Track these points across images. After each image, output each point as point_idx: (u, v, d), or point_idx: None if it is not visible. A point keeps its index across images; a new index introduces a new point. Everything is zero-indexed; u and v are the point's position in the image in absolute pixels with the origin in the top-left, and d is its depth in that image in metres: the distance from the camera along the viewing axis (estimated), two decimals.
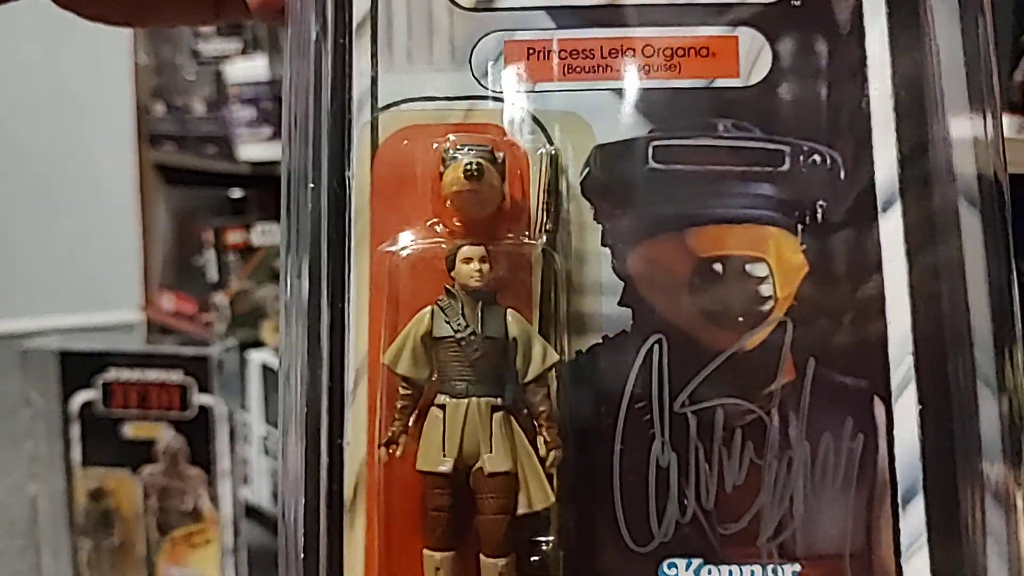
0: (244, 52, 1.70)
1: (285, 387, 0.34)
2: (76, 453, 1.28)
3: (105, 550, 1.29)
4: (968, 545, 0.33)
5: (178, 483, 1.27)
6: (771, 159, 0.35)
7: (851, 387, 0.34)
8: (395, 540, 0.34)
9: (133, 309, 2.01)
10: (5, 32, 2.87)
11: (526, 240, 0.35)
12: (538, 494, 0.33)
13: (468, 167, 0.33)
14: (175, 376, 1.25)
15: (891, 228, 0.34)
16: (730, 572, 0.34)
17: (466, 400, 0.33)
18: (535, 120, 0.35)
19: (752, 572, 0.34)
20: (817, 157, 0.35)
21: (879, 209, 0.34)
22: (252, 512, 1.52)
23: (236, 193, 1.76)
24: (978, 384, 0.33)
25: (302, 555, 0.33)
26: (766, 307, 0.34)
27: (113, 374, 1.26)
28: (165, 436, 1.26)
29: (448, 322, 0.34)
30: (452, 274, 0.34)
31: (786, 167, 0.35)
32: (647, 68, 0.35)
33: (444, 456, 0.33)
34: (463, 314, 0.34)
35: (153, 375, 1.26)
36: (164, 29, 1.78)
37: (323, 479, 0.33)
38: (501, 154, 0.34)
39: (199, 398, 1.25)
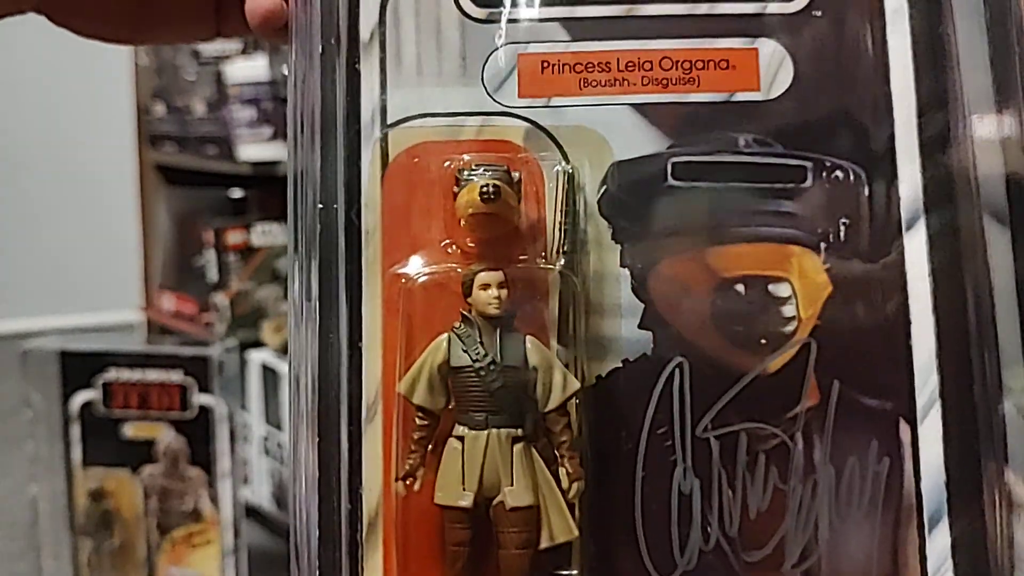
0: (244, 52, 1.70)
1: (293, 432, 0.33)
2: (76, 454, 1.28)
3: (105, 551, 1.29)
4: (996, 567, 0.32)
5: (178, 484, 1.27)
6: (793, 175, 0.34)
7: (876, 409, 0.33)
8: (414, 572, 0.33)
9: (133, 309, 2.01)
10: (5, 33, 2.87)
11: (543, 263, 0.34)
12: (560, 527, 0.32)
13: (484, 190, 0.32)
14: (175, 376, 1.25)
15: (916, 245, 0.33)
16: None
17: (485, 432, 0.32)
18: (550, 136, 0.34)
19: None
20: (840, 173, 0.34)
21: (904, 226, 0.33)
22: (252, 512, 1.52)
23: (236, 193, 1.76)
24: (1006, 405, 0.33)
25: None
26: (789, 328, 0.33)
27: (113, 374, 1.26)
28: (165, 437, 1.26)
29: (466, 351, 0.33)
30: (469, 300, 0.33)
31: (808, 183, 0.34)
32: (665, 82, 0.34)
33: (464, 490, 0.32)
34: (481, 342, 0.32)
35: (153, 375, 1.25)
36: None
37: (341, 509, 0.33)
38: (517, 174, 0.33)
39: (199, 398, 1.25)
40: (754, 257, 0.34)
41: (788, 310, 0.34)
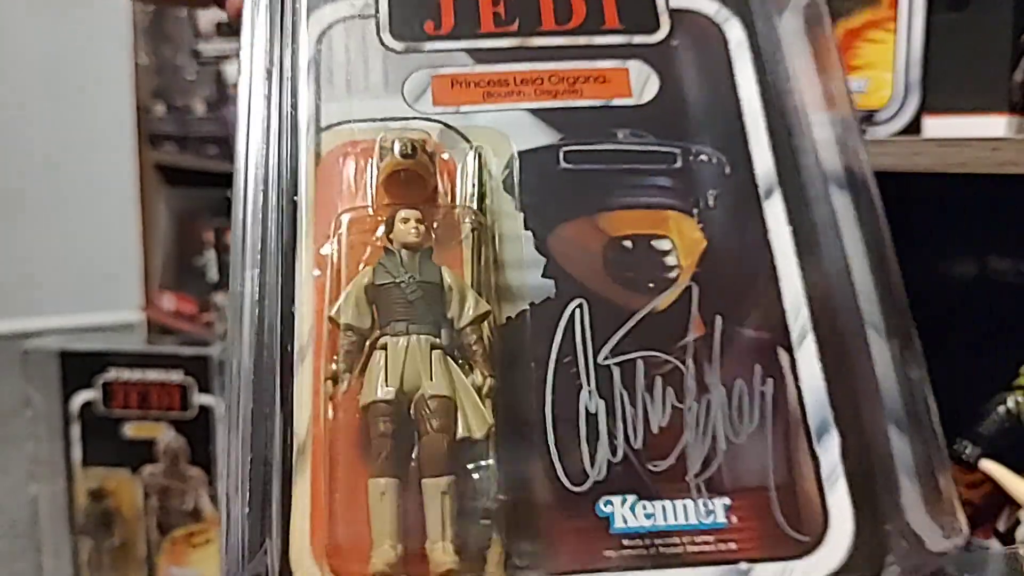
0: None
1: (229, 375, 0.37)
2: (76, 453, 1.28)
3: (106, 550, 1.30)
4: (880, 471, 0.37)
5: (179, 483, 1.27)
6: (665, 159, 0.41)
7: (756, 339, 0.39)
8: (341, 474, 0.36)
9: (133, 309, 2.02)
10: (6, 33, 2.87)
11: (459, 210, 0.40)
12: (476, 419, 0.36)
13: (403, 147, 0.38)
14: (175, 376, 1.26)
15: (775, 210, 0.41)
16: (663, 507, 0.36)
17: (406, 337, 0.37)
18: (460, 134, 0.42)
19: (684, 506, 0.36)
20: (704, 156, 0.42)
21: (762, 196, 0.41)
22: None
23: None
24: (867, 330, 0.39)
25: (247, 509, 0.35)
26: (673, 274, 0.40)
27: (113, 374, 1.26)
28: (165, 436, 1.26)
29: (388, 271, 0.37)
30: (391, 235, 0.38)
31: (679, 165, 0.41)
32: (554, 92, 0.42)
33: (387, 385, 0.36)
34: (403, 264, 0.38)
35: (153, 375, 1.26)
36: (165, 29, 1.78)
37: (274, 440, 0.36)
38: (432, 149, 0.40)
39: (199, 398, 1.26)
40: (638, 220, 0.41)
41: (670, 260, 0.40)
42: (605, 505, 0.36)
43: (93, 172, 2.99)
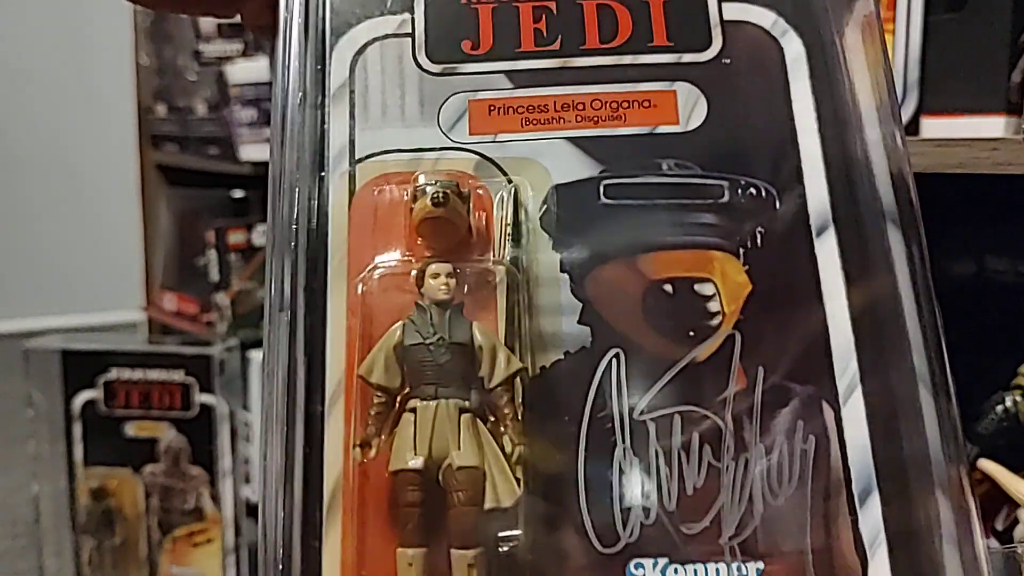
0: (245, 53, 1.70)
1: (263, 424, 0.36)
2: (78, 452, 1.28)
3: (107, 549, 1.30)
4: (924, 541, 0.35)
5: (180, 482, 1.27)
6: (711, 192, 0.38)
7: (800, 393, 0.36)
8: (369, 542, 0.35)
9: (135, 309, 2.02)
10: (7, 33, 2.87)
11: (492, 262, 0.38)
12: (505, 489, 0.35)
13: (435, 195, 0.36)
14: (177, 376, 1.26)
15: (827, 249, 0.38)
16: (695, 570, 0.35)
17: (435, 402, 0.36)
18: (497, 165, 0.39)
19: (717, 570, 0.35)
20: (753, 190, 0.38)
21: (814, 233, 0.38)
22: (254, 511, 1.52)
23: (238, 193, 1.77)
24: (919, 386, 0.36)
25: (280, 566, 0.34)
26: (714, 322, 0.37)
27: (115, 374, 1.26)
28: (167, 435, 1.26)
29: (418, 331, 0.36)
30: (422, 291, 0.37)
31: (726, 199, 0.38)
32: (596, 119, 0.39)
33: (415, 454, 0.35)
34: (432, 323, 0.36)
35: (155, 375, 1.26)
36: (167, 29, 1.78)
37: (300, 489, 0.35)
38: (467, 189, 0.37)
39: (201, 398, 1.26)
40: (679, 261, 0.38)
41: (712, 306, 0.37)
42: (636, 568, 0.35)
43: (95, 172, 2.99)
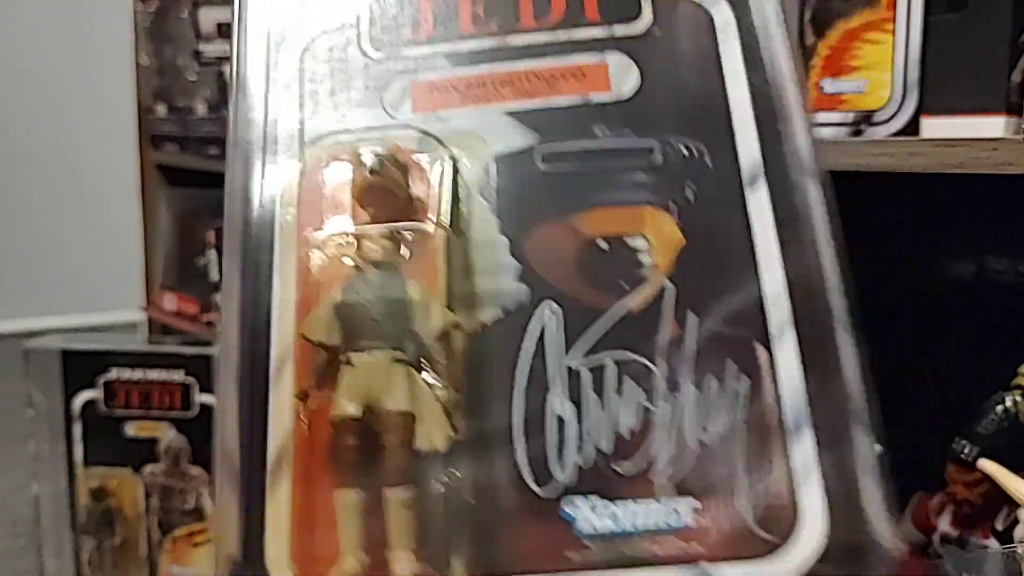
0: None
1: (221, 369, 0.39)
2: (78, 452, 1.28)
3: (107, 549, 1.30)
4: (852, 472, 0.36)
5: (180, 482, 1.27)
6: (642, 154, 0.41)
7: (733, 335, 0.38)
8: (315, 490, 0.37)
9: (135, 309, 2.02)
10: (7, 33, 2.87)
11: (433, 225, 0.40)
12: (438, 433, 0.37)
13: (372, 165, 0.39)
14: (177, 376, 1.25)
15: (759, 199, 0.40)
16: (629, 509, 0.36)
17: (370, 353, 0.38)
18: (438, 140, 0.42)
19: (650, 508, 0.36)
20: (685, 149, 0.41)
21: (745, 185, 0.40)
22: None
23: None
24: (837, 328, 0.38)
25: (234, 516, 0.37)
26: (646, 273, 0.39)
27: (115, 374, 1.26)
28: (167, 435, 1.26)
29: (357, 291, 0.39)
30: (359, 253, 0.39)
31: (658, 159, 0.41)
32: (532, 92, 0.42)
33: (351, 401, 0.37)
34: (369, 282, 0.39)
35: (155, 375, 1.26)
36: (167, 29, 1.78)
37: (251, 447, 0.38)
38: (404, 159, 0.40)
39: (201, 397, 1.25)
40: (613, 219, 0.40)
41: (645, 259, 0.40)
42: (570, 507, 0.36)
43: (95, 172, 2.99)
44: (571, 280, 0.39)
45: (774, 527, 0.36)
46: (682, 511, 0.36)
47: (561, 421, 0.38)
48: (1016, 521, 0.69)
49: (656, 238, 0.40)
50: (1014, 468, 0.68)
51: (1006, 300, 0.86)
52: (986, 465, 0.68)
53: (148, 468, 1.27)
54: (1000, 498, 0.69)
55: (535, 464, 0.37)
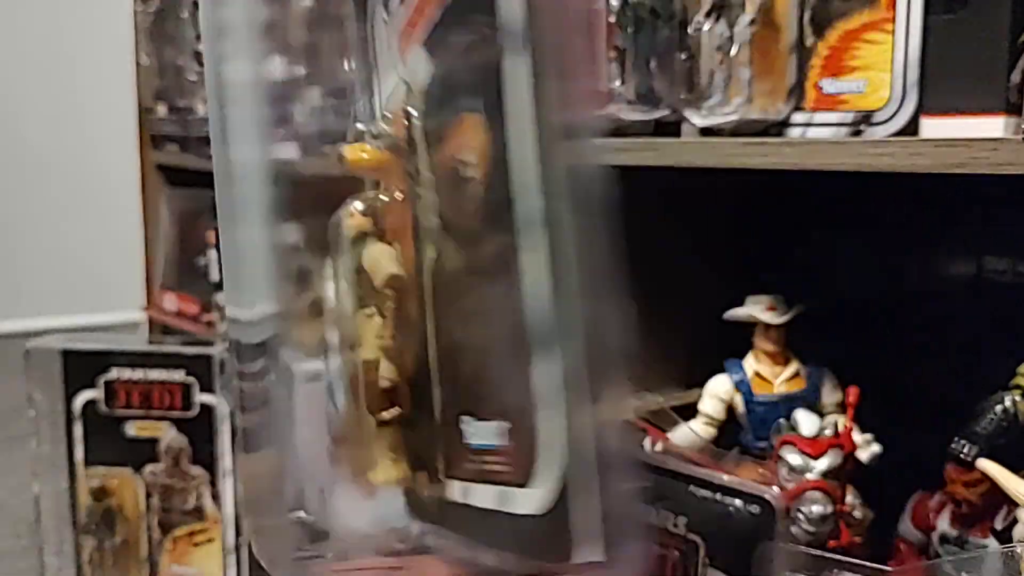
0: None
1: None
2: (79, 452, 1.28)
3: (108, 549, 1.30)
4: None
5: (180, 482, 1.27)
6: None
7: None
8: None
9: (135, 309, 2.02)
10: (7, 33, 2.87)
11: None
12: (387, 371, 0.52)
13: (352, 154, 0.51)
14: (177, 376, 1.25)
15: None
16: None
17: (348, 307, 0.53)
18: None
19: None
20: None
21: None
22: None
23: None
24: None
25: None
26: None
27: (115, 373, 1.26)
28: (167, 435, 1.26)
29: (342, 258, 0.52)
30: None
31: None
32: None
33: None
34: (349, 253, 0.51)
35: (155, 374, 1.26)
36: (167, 29, 1.78)
37: None
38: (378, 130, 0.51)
39: (201, 397, 1.25)
40: None
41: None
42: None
43: (95, 173, 2.99)
44: None
45: None
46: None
47: None
48: (1015, 521, 0.69)
49: None
50: (1013, 468, 0.68)
51: (1005, 300, 0.86)
52: (985, 465, 0.68)
53: (148, 468, 1.27)
54: (999, 498, 0.69)
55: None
